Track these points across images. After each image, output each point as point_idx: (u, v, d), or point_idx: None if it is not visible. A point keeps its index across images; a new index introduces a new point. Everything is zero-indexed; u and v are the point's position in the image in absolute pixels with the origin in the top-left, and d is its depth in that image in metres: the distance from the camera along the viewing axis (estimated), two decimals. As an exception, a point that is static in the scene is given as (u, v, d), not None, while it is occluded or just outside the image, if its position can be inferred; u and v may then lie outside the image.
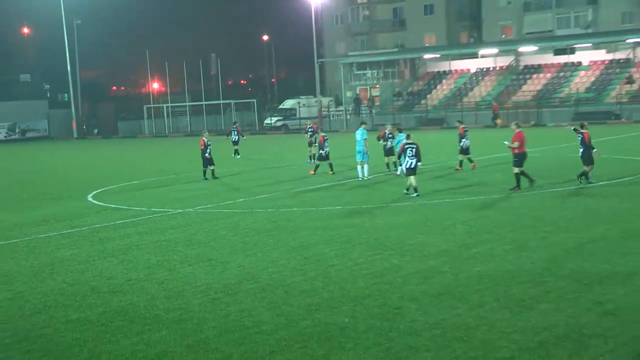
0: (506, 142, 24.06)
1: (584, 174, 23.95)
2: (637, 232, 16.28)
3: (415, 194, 23.36)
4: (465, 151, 30.33)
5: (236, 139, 44.90)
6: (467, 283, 12.79)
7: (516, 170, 23.56)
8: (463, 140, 30.24)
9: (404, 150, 23.97)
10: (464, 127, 30.67)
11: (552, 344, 9.74)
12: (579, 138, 24.02)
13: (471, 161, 30.37)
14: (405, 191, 23.87)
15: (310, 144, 38.21)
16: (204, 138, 32.39)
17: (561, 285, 12.39)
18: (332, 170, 31.13)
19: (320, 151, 31.35)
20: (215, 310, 12.03)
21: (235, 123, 49.14)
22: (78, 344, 10.82)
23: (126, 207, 24.71)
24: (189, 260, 15.90)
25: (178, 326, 11.31)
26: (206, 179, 31.87)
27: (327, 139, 31.47)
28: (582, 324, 10.43)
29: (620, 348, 9.50)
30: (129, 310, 12.31)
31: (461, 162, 30.42)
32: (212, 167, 32.21)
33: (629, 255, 14.16)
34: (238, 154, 43.74)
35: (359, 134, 29.07)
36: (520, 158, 23.54)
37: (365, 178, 28.68)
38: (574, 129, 24.91)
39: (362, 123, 30.81)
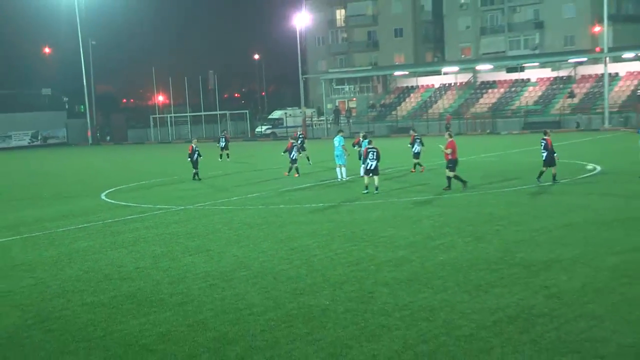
0: (441, 146, 23.96)
1: (554, 176, 23.80)
2: (577, 225, 16.38)
3: (366, 191, 23.60)
4: (416, 156, 30.30)
5: (224, 145, 44.83)
6: (432, 270, 12.81)
7: (449, 174, 23.58)
8: (414, 146, 30.23)
9: (366, 154, 24.12)
10: (414, 135, 30.70)
11: (505, 322, 9.78)
12: (543, 143, 23.97)
13: (414, 166, 30.22)
14: (375, 191, 23.82)
15: (299, 150, 38.12)
16: (192, 145, 32.25)
17: (513, 271, 12.44)
18: (289, 172, 31.44)
19: (290, 155, 31.57)
20: (213, 294, 11.99)
21: (224, 131, 49.03)
22: (92, 324, 10.76)
23: (135, 205, 24.58)
24: (189, 250, 15.84)
25: (180, 308, 11.26)
26: (200, 179, 31.71)
27: (295, 146, 31.77)
28: (531, 305, 10.48)
29: (563, 326, 9.55)
30: (137, 295, 12.24)
31: (417, 164, 30.22)
32: (196, 170, 31.97)
33: (570, 245, 14.24)
34: (221, 158, 43.58)
35: (337, 141, 29.07)
36: (453, 163, 23.56)
37: (344, 179, 28.66)
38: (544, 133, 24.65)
39: (340, 131, 30.80)
